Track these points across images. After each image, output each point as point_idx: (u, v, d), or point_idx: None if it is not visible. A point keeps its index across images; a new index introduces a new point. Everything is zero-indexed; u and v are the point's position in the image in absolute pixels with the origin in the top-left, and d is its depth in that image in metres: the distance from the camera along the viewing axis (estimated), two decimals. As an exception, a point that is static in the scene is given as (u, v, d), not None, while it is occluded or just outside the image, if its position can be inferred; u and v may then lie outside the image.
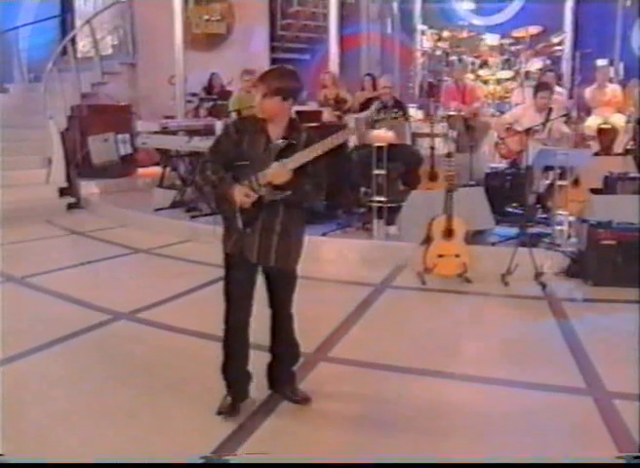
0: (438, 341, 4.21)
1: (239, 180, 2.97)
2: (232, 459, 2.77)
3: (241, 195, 2.93)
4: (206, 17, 11.73)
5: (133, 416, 3.16)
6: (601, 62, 9.92)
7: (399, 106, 7.10)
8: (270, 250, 3.02)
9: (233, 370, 3.16)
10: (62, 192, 8.92)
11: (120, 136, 9.71)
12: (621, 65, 10.54)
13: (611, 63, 10.18)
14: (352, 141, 6.76)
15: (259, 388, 3.28)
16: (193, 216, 7.24)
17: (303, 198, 3.04)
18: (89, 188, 9.15)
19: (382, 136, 6.04)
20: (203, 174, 3.04)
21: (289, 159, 2.91)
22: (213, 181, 3.01)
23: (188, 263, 6.12)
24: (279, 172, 2.89)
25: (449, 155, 5.53)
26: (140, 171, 10.01)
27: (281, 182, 2.91)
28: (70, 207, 8.84)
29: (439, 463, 2.79)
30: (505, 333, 4.39)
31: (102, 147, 9.57)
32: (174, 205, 7.72)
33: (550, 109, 6.34)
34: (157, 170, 9.27)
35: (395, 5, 11.68)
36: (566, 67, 10.96)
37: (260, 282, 3.15)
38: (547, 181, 6.57)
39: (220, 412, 3.11)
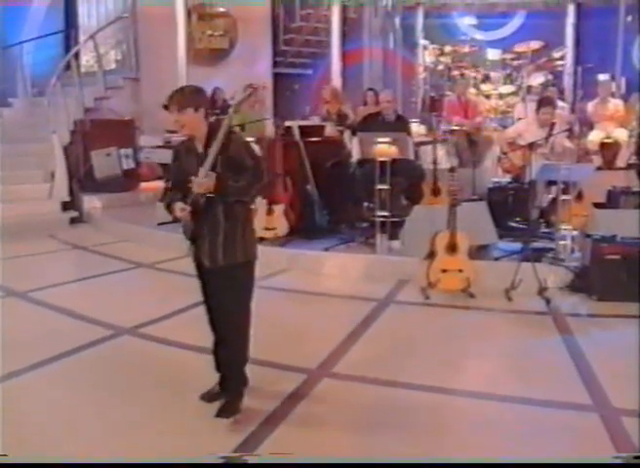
0: (443, 357, 4.18)
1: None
2: (251, 459, 2.83)
3: (178, 211, 3.16)
4: (209, 32, 11.78)
5: (139, 429, 3.15)
6: (602, 77, 9.95)
7: (401, 121, 7.10)
8: (217, 252, 3.20)
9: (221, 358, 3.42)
10: (65, 206, 8.92)
11: (123, 151, 9.71)
12: (623, 80, 10.56)
13: (612, 78, 10.20)
14: (355, 156, 6.77)
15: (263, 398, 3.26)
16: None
17: (232, 193, 3.13)
18: (91, 202, 9.14)
19: (386, 150, 6.04)
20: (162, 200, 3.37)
21: (201, 168, 3.07)
22: (164, 205, 3.32)
23: (191, 278, 6.02)
24: (198, 182, 3.06)
25: (452, 170, 5.52)
26: (143, 185, 10.01)
27: (205, 190, 3.06)
28: (73, 221, 8.83)
29: (439, 463, 2.81)
30: (510, 349, 4.37)
31: (105, 162, 9.57)
32: (177, 219, 7.68)
33: (553, 124, 6.34)
34: (160, 184, 9.27)
35: (397, 20, 11.73)
36: (567, 82, 10.98)
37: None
38: (550, 196, 6.57)
39: (203, 397, 3.39)
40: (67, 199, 8.97)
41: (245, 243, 3.27)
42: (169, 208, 3.27)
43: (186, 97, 3.13)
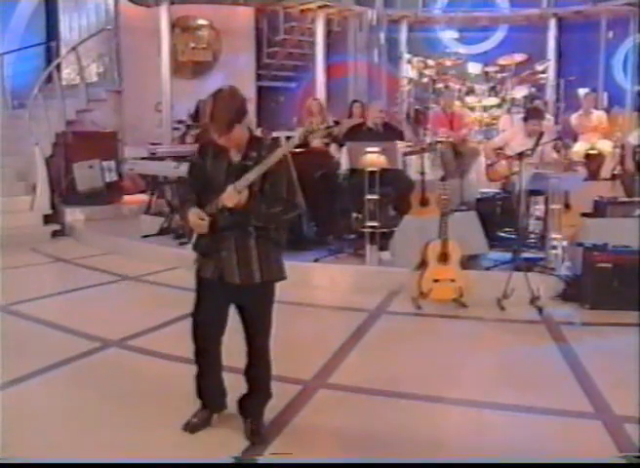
0: (439, 367, 4.13)
1: (204, 206, 2.93)
2: (261, 459, 2.83)
3: (194, 218, 2.90)
4: (192, 44, 11.77)
5: (132, 444, 3.05)
6: (582, 91, 10.04)
7: (390, 129, 7.07)
8: (252, 266, 2.94)
9: (205, 384, 3.19)
10: (47, 219, 8.76)
11: (105, 163, 9.62)
12: (605, 94, 10.67)
13: (594, 91, 10.28)
14: (344, 166, 6.72)
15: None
16: (181, 243, 7.10)
17: (261, 219, 2.92)
18: (74, 215, 9.00)
19: (375, 160, 6.00)
20: (175, 201, 3.03)
21: (239, 181, 2.82)
22: (176, 207, 2.97)
23: (177, 290, 5.95)
24: (230, 194, 2.82)
25: (443, 179, 5.50)
26: (126, 198, 9.91)
27: (235, 205, 2.83)
28: (55, 234, 8.67)
29: (439, 463, 2.80)
30: (506, 358, 4.33)
31: (88, 174, 9.47)
32: (161, 232, 7.61)
33: (541, 134, 6.35)
34: (143, 197, 9.19)
35: (382, 34, 11.78)
36: (550, 94, 11.07)
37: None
38: (537, 206, 6.58)
39: (185, 427, 3.12)
40: (49, 212, 8.80)
41: (280, 265, 3.06)
42: (178, 210, 3.05)
43: (235, 114, 2.82)
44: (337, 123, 3.06)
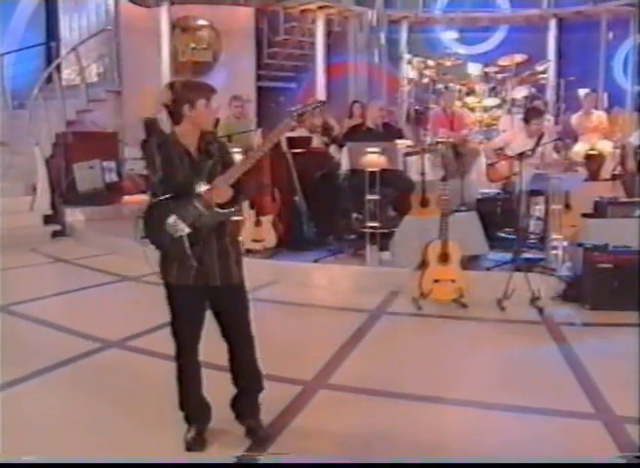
0: (439, 367, 4.14)
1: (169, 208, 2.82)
2: (262, 459, 2.83)
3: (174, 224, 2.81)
4: (192, 45, 11.77)
5: (132, 444, 3.06)
6: (582, 91, 10.03)
7: (390, 129, 7.07)
8: (230, 268, 2.95)
9: (193, 403, 3.11)
10: (47, 220, 8.78)
11: (106, 164, 9.63)
12: (605, 95, 10.66)
13: (594, 92, 10.28)
14: (344, 167, 6.72)
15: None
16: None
17: (238, 210, 3.02)
18: (74, 216, 9.01)
19: (375, 160, 6.00)
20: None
21: (225, 175, 2.81)
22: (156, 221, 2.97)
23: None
24: (222, 189, 2.79)
25: (444, 179, 5.50)
26: (126, 198, 9.90)
27: (225, 200, 2.81)
28: (55, 234, 8.68)
29: (439, 463, 2.80)
30: (506, 358, 4.32)
31: (88, 175, 9.47)
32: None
33: (542, 134, 6.34)
34: (143, 198, 9.17)
35: (382, 34, 11.79)
36: (550, 95, 11.07)
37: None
38: (538, 207, 6.58)
39: (189, 448, 2.98)
40: (49, 212, 8.82)
41: (241, 258, 3.06)
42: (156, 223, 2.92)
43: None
44: (323, 103, 3.03)
